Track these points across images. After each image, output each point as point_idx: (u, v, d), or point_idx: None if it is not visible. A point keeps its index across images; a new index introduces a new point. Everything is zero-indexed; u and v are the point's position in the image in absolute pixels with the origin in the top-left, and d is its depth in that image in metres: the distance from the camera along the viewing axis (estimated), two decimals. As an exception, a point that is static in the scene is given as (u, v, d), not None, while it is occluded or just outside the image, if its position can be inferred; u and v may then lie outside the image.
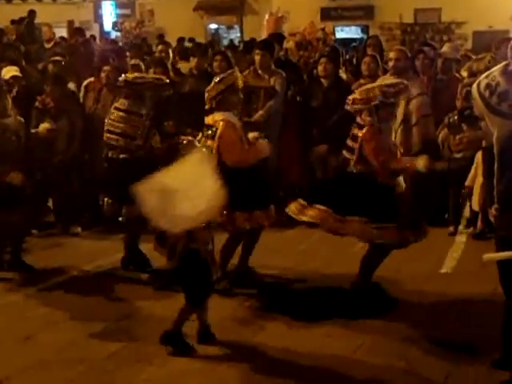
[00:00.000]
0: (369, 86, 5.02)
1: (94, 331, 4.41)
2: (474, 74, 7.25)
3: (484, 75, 3.29)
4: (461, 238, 6.29)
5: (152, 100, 5.60)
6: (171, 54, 8.44)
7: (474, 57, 7.82)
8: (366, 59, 7.05)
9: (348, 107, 4.83)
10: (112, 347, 4.23)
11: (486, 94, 3.14)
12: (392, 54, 6.72)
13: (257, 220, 4.90)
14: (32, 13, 15.20)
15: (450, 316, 4.60)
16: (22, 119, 5.65)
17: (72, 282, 5.42)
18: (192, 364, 3.99)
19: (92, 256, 5.89)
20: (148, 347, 4.16)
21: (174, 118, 6.63)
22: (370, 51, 7.66)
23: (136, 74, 5.72)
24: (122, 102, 5.49)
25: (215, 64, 7.40)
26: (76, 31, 13.53)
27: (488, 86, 3.16)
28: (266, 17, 10.32)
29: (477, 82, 3.30)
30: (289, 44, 10.37)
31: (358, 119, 4.75)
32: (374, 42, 7.99)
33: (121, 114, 5.43)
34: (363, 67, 7.02)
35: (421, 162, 4.57)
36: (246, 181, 4.82)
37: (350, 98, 4.80)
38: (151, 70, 6.97)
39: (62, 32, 18.26)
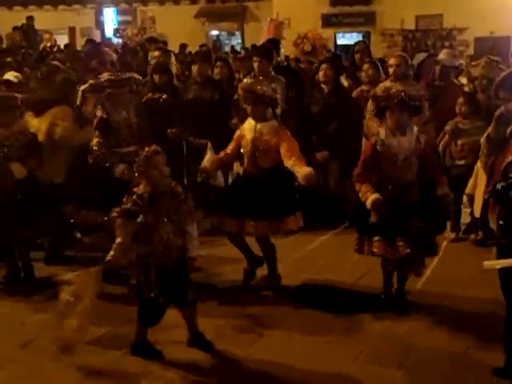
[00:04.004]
0: None
1: (92, 337, 4.34)
2: (472, 80, 7.21)
3: None
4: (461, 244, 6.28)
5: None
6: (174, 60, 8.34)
7: (473, 63, 7.80)
8: (365, 66, 6.98)
9: None
10: (111, 355, 4.21)
11: None
12: (392, 60, 6.64)
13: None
14: (30, 19, 15.20)
15: (451, 323, 4.56)
16: None
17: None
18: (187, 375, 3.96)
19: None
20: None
21: (177, 125, 6.59)
22: (357, 58, 7.53)
23: None
24: None
25: (216, 70, 7.38)
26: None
27: None
28: (267, 22, 10.32)
29: None
30: (305, 45, 10.36)
31: None
32: (361, 48, 7.78)
33: None
34: (363, 75, 6.96)
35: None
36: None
37: None
38: (156, 76, 6.83)
39: (63, 38, 18.32)
